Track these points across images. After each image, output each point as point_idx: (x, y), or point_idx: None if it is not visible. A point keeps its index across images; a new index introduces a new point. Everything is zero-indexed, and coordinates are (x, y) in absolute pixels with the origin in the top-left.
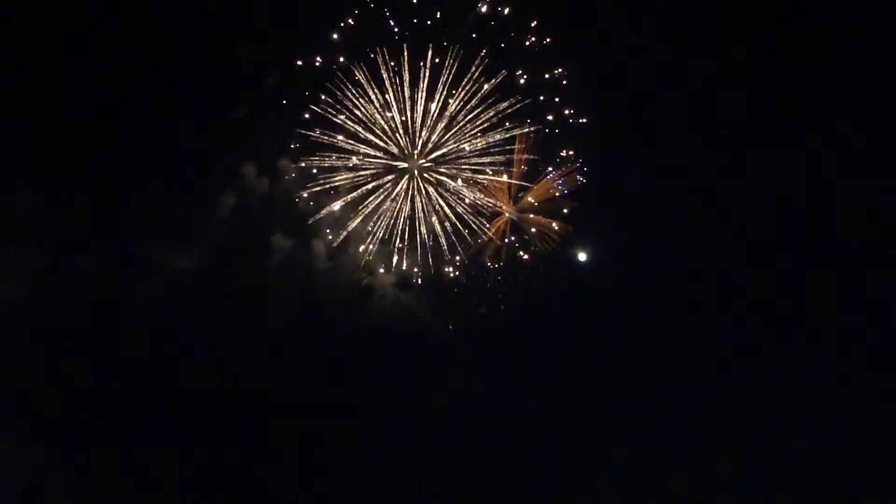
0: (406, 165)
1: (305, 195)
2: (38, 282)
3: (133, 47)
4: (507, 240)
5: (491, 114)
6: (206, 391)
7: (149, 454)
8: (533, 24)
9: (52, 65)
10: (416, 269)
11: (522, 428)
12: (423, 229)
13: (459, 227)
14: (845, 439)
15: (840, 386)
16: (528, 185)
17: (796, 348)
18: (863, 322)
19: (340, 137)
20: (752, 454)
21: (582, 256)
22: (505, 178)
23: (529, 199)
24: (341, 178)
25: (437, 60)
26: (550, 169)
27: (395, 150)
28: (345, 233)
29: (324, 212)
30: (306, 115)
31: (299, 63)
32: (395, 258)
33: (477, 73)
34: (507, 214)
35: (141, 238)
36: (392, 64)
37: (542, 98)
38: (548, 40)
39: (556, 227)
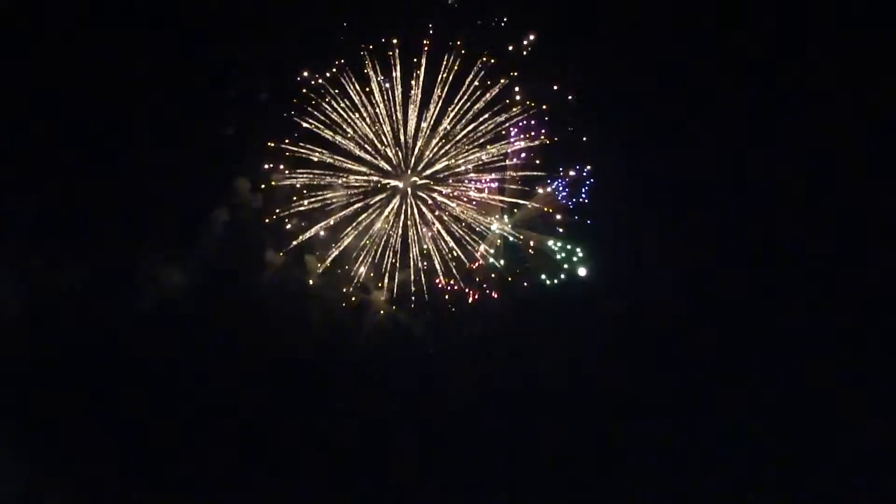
0: (399, 183)
1: (295, 213)
2: (29, 294)
3: (125, 62)
4: (500, 261)
5: (489, 126)
6: (197, 407)
7: (144, 466)
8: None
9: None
10: (410, 288)
11: (521, 449)
12: (416, 249)
13: (455, 247)
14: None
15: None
16: (523, 202)
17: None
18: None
19: (327, 154)
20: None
21: (582, 272)
22: (498, 195)
23: (526, 214)
24: (331, 196)
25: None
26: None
27: (386, 166)
28: (333, 254)
29: (311, 232)
30: (295, 134)
31: (296, 78)
32: (387, 279)
33: (474, 84)
34: (500, 231)
35: (129, 253)
36: (382, 78)
37: (543, 108)
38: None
39: (554, 246)
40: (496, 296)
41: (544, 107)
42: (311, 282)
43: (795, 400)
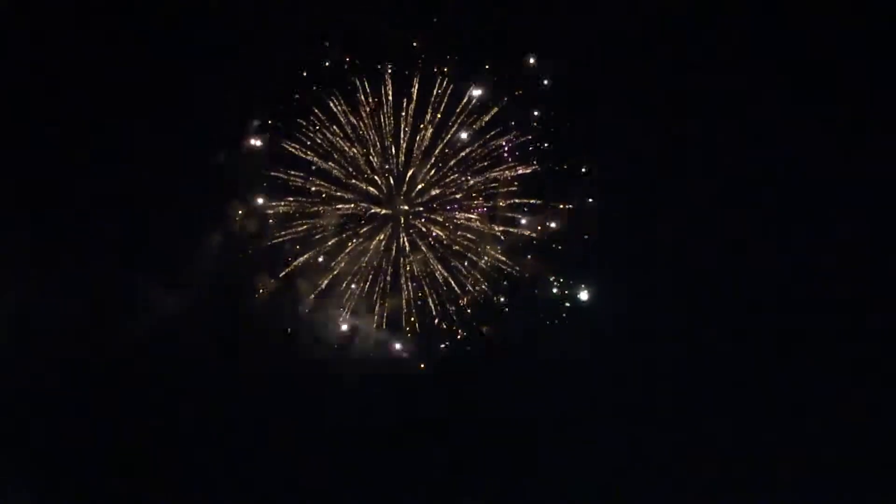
0: (389, 211)
1: (286, 239)
2: (18, 320)
3: (118, 88)
4: (497, 297)
5: (485, 151)
6: (191, 430)
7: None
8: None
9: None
10: (401, 318)
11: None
12: (407, 278)
13: (448, 277)
14: None
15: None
16: (519, 231)
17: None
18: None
19: (316, 181)
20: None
21: (583, 296)
22: (492, 223)
23: (521, 242)
24: (322, 223)
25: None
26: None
27: (376, 193)
28: (324, 282)
29: (300, 260)
30: (274, 167)
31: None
32: (377, 307)
33: (469, 108)
34: (492, 262)
35: (122, 277)
36: (375, 100)
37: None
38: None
39: (556, 282)
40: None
41: (555, 129)
42: (301, 309)
43: (801, 423)
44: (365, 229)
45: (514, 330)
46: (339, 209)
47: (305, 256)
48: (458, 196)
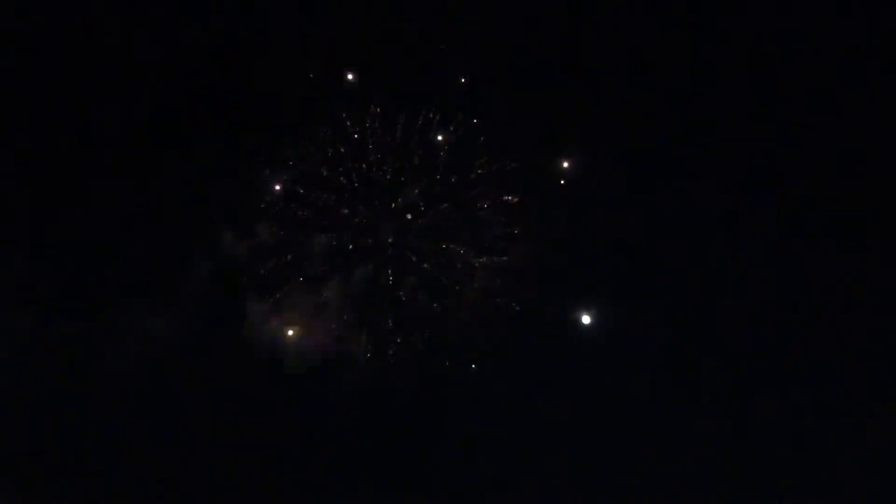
0: (375, 241)
1: (274, 266)
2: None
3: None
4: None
5: (473, 178)
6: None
7: None
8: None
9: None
10: (387, 346)
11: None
12: (395, 308)
13: (436, 310)
14: None
15: None
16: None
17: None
18: None
19: (302, 209)
20: None
21: (586, 319)
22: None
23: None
24: (311, 250)
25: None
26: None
27: (362, 222)
28: (311, 308)
29: (288, 286)
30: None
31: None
32: (365, 333)
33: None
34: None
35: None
36: (358, 128)
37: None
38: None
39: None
40: (474, 367)
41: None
42: (290, 333)
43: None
44: (351, 259)
45: (502, 358)
46: (324, 238)
47: (290, 285)
48: (445, 225)
